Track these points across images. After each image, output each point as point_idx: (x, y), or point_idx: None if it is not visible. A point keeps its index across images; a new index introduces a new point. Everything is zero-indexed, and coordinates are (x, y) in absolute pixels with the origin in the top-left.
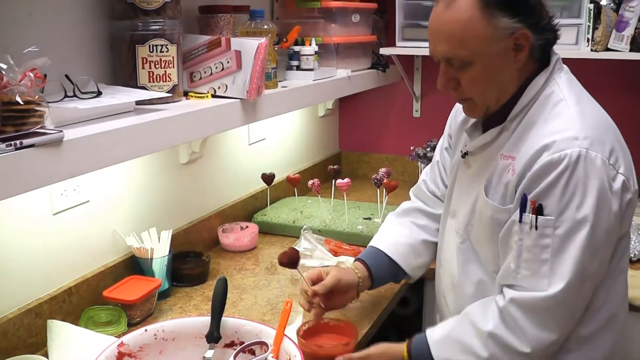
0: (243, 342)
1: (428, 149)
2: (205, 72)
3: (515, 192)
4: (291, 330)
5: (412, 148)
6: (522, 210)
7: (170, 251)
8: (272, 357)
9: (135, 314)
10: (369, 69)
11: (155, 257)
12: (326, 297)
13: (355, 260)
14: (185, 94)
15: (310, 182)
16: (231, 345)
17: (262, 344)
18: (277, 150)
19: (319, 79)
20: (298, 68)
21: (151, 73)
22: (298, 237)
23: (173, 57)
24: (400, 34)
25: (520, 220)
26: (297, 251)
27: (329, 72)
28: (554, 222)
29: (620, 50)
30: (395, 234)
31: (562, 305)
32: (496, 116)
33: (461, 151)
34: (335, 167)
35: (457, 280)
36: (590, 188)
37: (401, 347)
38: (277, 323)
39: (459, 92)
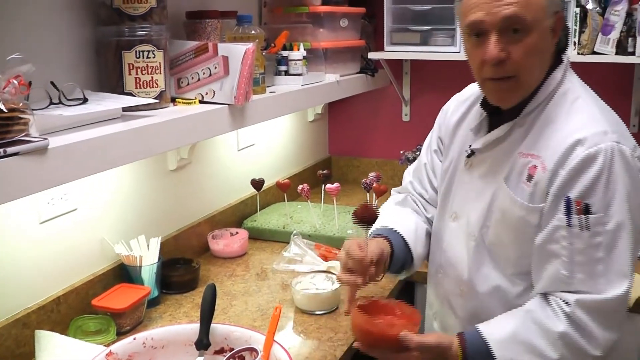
0: (233, 349)
1: (417, 153)
2: (192, 78)
3: (547, 191)
4: (282, 336)
5: (401, 152)
6: (568, 213)
7: (159, 258)
8: None
9: (125, 323)
10: (357, 73)
11: (145, 264)
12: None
13: (374, 235)
14: (173, 100)
15: (299, 187)
16: (221, 351)
17: (252, 350)
18: (267, 155)
19: (307, 84)
20: (286, 73)
21: (138, 79)
22: (288, 243)
23: (160, 63)
24: (389, 38)
25: (569, 224)
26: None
27: (318, 77)
28: (603, 219)
29: (607, 53)
30: (405, 218)
31: (624, 303)
32: (507, 112)
33: (466, 151)
34: (324, 172)
35: (469, 285)
36: (627, 180)
37: (451, 341)
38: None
39: (506, 68)
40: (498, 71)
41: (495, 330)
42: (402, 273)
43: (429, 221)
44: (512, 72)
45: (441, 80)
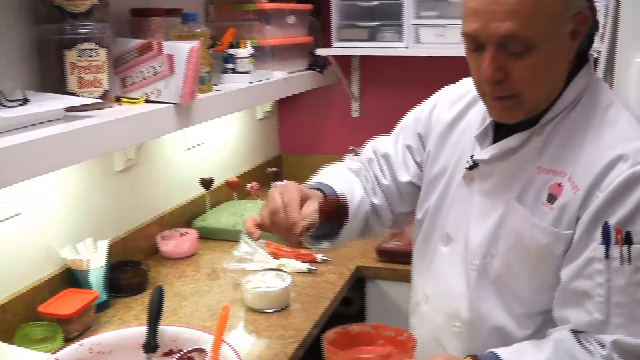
0: (182, 350)
1: None
2: (137, 77)
3: (578, 216)
4: (233, 335)
5: (351, 148)
6: (607, 242)
7: (107, 262)
8: None
9: (73, 329)
10: (306, 70)
11: (92, 268)
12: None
13: (312, 187)
14: (118, 99)
15: (249, 186)
16: (169, 353)
17: (201, 350)
18: (216, 154)
19: (255, 81)
20: (233, 71)
21: (80, 79)
22: (238, 241)
23: (103, 62)
24: (337, 34)
25: (607, 256)
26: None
27: (265, 74)
28: None
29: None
30: (355, 188)
31: None
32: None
33: (467, 162)
34: (274, 169)
35: (469, 324)
36: None
37: None
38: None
39: (504, 87)
40: (496, 90)
41: (517, 358)
42: (322, 243)
43: (373, 206)
44: (512, 91)
45: (390, 76)
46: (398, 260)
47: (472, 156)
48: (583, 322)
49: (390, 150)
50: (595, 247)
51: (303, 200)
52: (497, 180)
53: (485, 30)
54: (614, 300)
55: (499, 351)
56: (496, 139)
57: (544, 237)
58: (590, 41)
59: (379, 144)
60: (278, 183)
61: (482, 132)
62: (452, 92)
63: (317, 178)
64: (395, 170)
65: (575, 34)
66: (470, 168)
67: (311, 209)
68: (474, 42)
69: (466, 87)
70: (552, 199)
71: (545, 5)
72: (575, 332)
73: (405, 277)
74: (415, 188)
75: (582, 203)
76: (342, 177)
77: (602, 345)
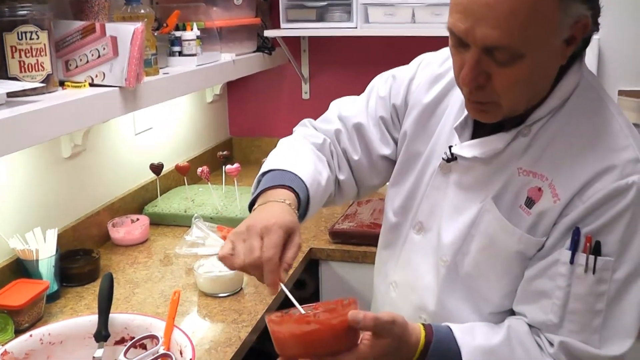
0: (133, 337)
1: None
2: (81, 60)
3: (554, 223)
4: (187, 320)
5: None
6: (574, 248)
7: (57, 251)
8: (164, 349)
9: (23, 320)
10: (254, 52)
11: (42, 258)
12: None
13: (282, 184)
14: (62, 83)
15: (199, 170)
16: (122, 341)
17: (153, 337)
18: (165, 139)
19: (202, 64)
20: (180, 54)
21: (22, 62)
22: (190, 227)
23: (45, 45)
24: (285, 15)
25: (572, 262)
26: None
27: (213, 56)
28: (613, 264)
29: None
30: (322, 177)
31: None
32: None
33: (445, 153)
34: (224, 153)
35: (434, 318)
36: None
37: (415, 327)
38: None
39: (483, 93)
40: (474, 94)
41: (470, 338)
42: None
43: (337, 182)
44: (491, 98)
45: (340, 56)
46: (351, 242)
47: (450, 147)
48: (537, 320)
49: (363, 121)
50: (562, 251)
51: (285, 238)
52: (476, 177)
53: (471, 35)
54: (571, 306)
55: (453, 326)
56: (475, 128)
57: (517, 244)
58: (586, 43)
59: (347, 111)
60: (229, 167)
61: (461, 122)
62: (431, 68)
63: (281, 162)
64: (369, 144)
65: (571, 41)
66: (448, 160)
67: (293, 253)
68: (458, 39)
69: (447, 63)
70: (530, 203)
71: (543, 15)
72: (530, 325)
73: (359, 259)
74: (390, 162)
75: (562, 211)
76: (307, 160)
77: (551, 344)
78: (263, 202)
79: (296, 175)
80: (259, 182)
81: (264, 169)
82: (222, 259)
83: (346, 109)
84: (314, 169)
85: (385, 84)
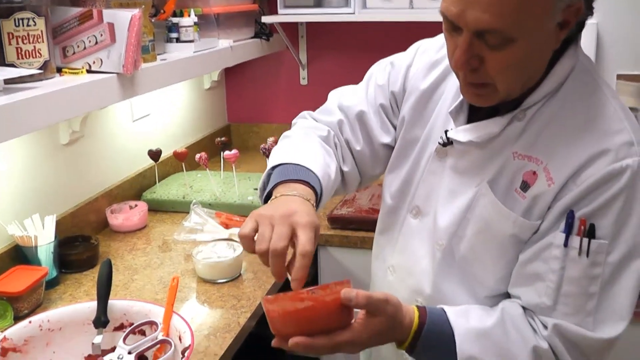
0: (132, 324)
1: None
2: (78, 47)
3: (549, 207)
4: (186, 306)
5: None
6: (568, 231)
7: (55, 237)
8: (163, 335)
9: (23, 306)
10: (252, 38)
11: (40, 244)
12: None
13: (298, 178)
14: (59, 70)
15: (197, 156)
16: (121, 327)
17: (152, 323)
18: (163, 125)
19: (199, 50)
20: (178, 40)
21: (19, 49)
22: (188, 213)
23: (42, 31)
24: (282, 1)
25: (565, 244)
26: None
27: (210, 43)
28: (607, 247)
29: None
30: (332, 172)
31: (611, 347)
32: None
33: (441, 137)
34: (222, 139)
35: (430, 302)
36: None
37: (409, 308)
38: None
39: (479, 75)
40: (469, 77)
41: (464, 320)
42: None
43: (342, 175)
44: (486, 80)
45: (338, 42)
46: (349, 227)
47: (446, 131)
48: (531, 303)
49: (365, 109)
50: (556, 234)
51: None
52: (471, 161)
53: (463, 19)
54: (564, 289)
55: (447, 308)
56: (471, 113)
57: (512, 228)
58: (580, 27)
59: (348, 100)
60: (227, 153)
61: (457, 106)
62: (428, 55)
63: (292, 155)
64: (371, 132)
65: (564, 25)
66: (444, 145)
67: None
68: (451, 23)
69: (444, 50)
70: (525, 186)
71: (534, 1)
72: (524, 308)
73: (357, 244)
74: (391, 150)
75: (556, 195)
76: (317, 154)
77: (545, 326)
78: (284, 192)
79: (309, 169)
80: (269, 175)
81: (274, 161)
82: (243, 237)
83: (347, 99)
84: (323, 162)
85: (384, 72)
